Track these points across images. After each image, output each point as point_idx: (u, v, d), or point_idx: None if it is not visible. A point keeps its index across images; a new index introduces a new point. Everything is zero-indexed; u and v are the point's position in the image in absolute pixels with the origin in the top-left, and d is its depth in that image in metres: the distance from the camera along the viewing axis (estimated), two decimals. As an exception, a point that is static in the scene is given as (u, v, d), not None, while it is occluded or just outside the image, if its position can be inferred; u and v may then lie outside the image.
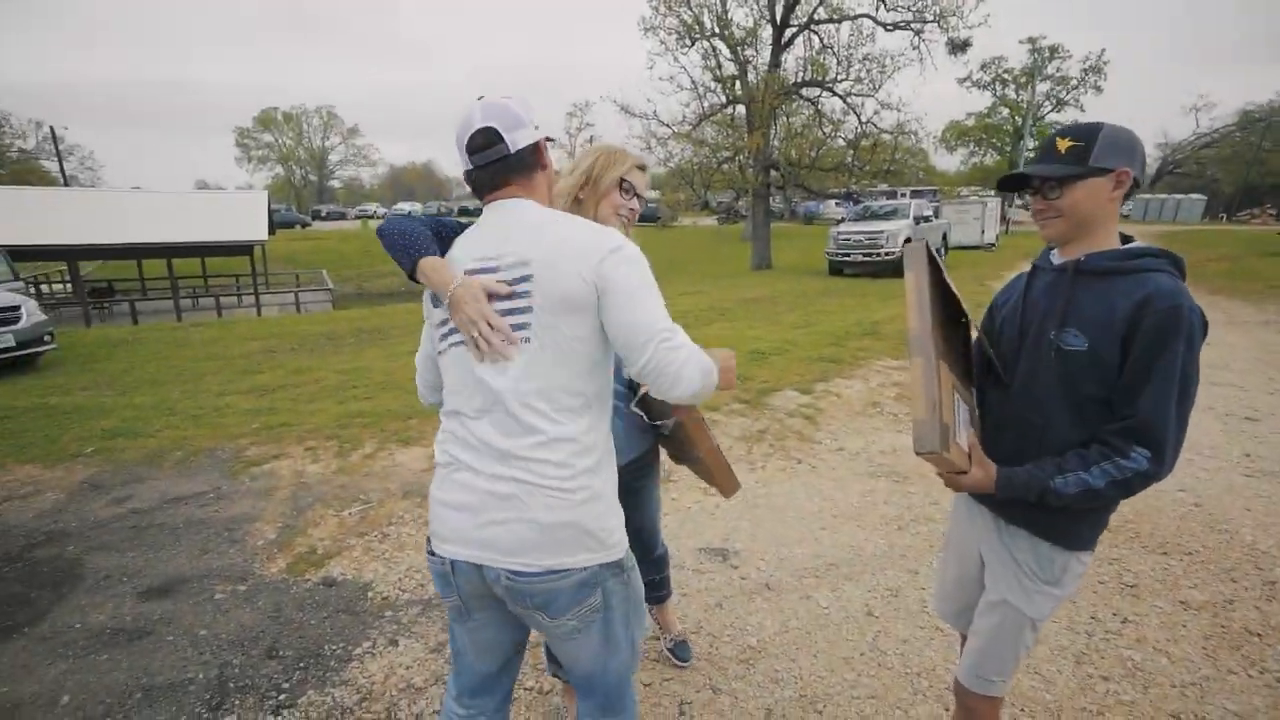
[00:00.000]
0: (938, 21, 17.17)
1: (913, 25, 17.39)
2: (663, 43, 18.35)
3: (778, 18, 17.94)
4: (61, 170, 37.83)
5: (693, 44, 18.45)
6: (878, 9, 17.37)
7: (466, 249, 1.24)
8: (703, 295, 12.68)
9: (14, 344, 7.37)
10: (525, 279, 1.15)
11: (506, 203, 1.22)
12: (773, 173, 18.68)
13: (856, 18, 17.63)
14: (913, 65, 17.80)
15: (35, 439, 4.73)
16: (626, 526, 1.30)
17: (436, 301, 1.24)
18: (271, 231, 22.74)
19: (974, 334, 1.48)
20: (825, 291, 13.02)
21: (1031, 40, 34.93)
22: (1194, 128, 45.84)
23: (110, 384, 6.74)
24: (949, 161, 41.38)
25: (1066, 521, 1.33)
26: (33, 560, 3.06)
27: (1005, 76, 36.56)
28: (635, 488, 1.93)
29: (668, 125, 18.98)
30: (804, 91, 18.63)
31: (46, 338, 7.84)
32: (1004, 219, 28.64)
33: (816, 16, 17.93)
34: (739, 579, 2.84)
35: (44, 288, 20.90)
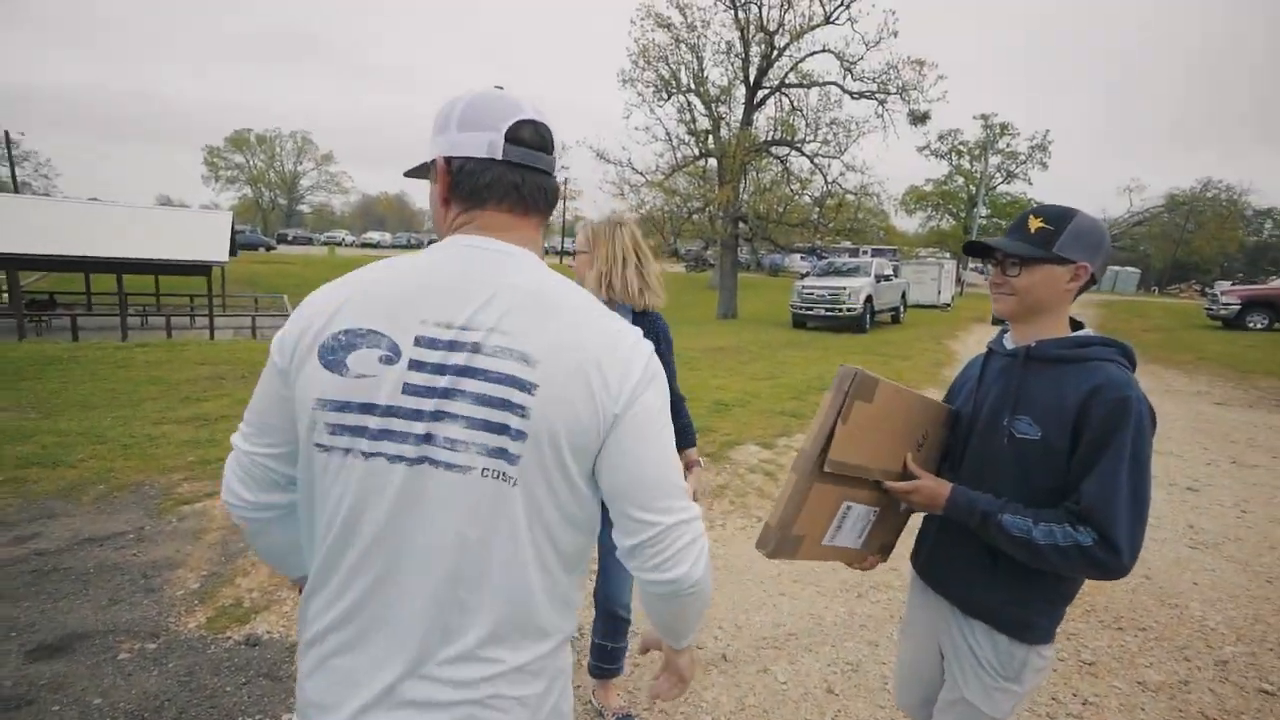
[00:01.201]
0: (900, 94, 18.24)
1: (877, 95, 18.41)
2: (640, 95, 18.99)
3: (751, 79, 18.77)
4: (13, 176, 36.40)
5: (669, 97, 19.10)
6: (845, 78, 18.35)
7: (410, 287, 0.79)
8: (669, 341, 12.71)
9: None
10: (524, 385, 0.75)
11: (501, 244, 0.82)
12: (741, 225, 19.20)
13: (825, 84, 18.59)
14: (877, 131, 18.77)
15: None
16: (595, 593, 1.19)
17: (334, 362, 0.77)
18: (234, 253, 22.13)
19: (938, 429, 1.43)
20: (789, 343, 13.22)
21: (984, 117, 37.17)
22: (1128, 206, 49.25)
23: (37, 405, 6.29)
24: (909, 223, 43.24)
25: (1023, 613, 1.29)
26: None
27: (960, 148, 38.63)
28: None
29: (641, 174, 19.45)
30: (774, 150, 19.40)
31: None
32: (959, 281, 29.95)
33: (788, 80, 18.86)
34: (694, 648, 2.71)
35: (-23, 297, 19.77)
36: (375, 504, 0.77)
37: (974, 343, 13.41)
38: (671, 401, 0.88)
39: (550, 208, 0.89)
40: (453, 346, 0.76)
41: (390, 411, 0.76)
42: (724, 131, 19.02)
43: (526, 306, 0.78)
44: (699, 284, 31.28)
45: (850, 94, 18.44)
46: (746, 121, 19.00)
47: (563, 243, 47.51)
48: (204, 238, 20.05)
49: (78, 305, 20.44)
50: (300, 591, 0.92)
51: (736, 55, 18.61)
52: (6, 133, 35.85)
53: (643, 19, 18.32)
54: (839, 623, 2.95)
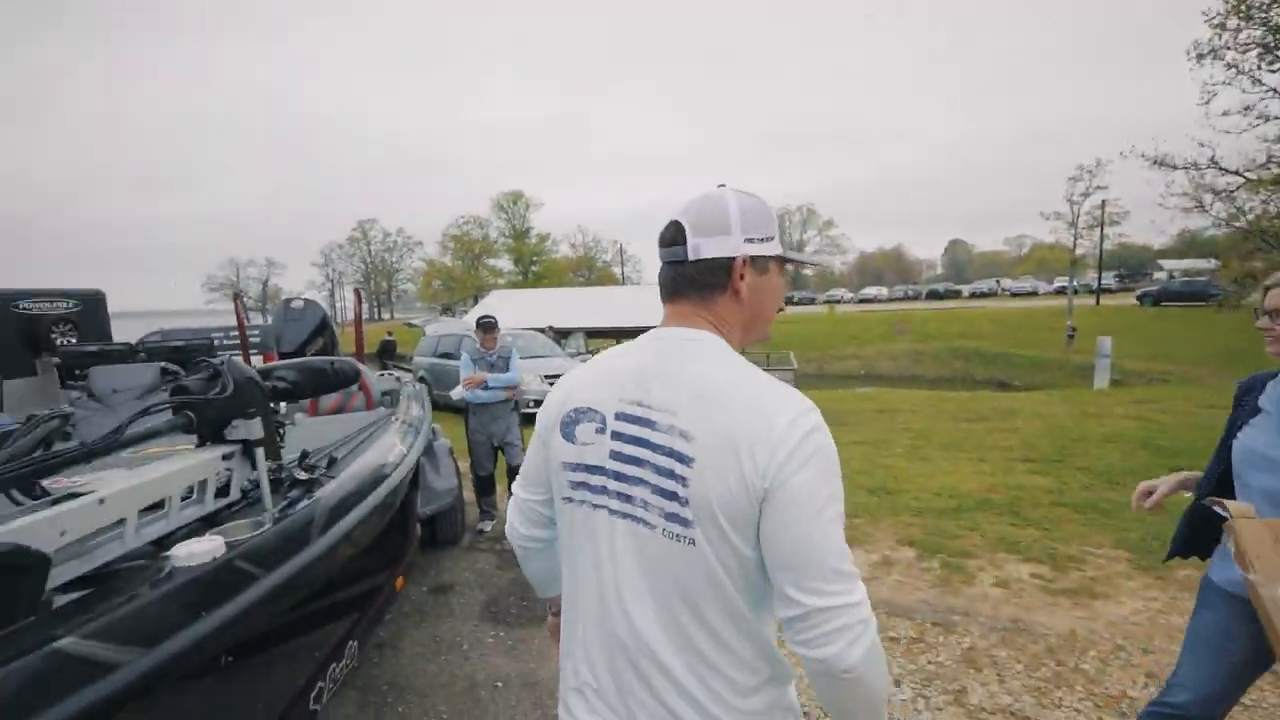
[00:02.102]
0: None
1: None
2: (1231, 65, 13.89)
3: None
4: (622, 274, 52.69)
5: (1282, 60, 13.41)
6: None
7: (616, 371, 0.97)
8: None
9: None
10: (684, 459, 0.85)
11: (676, 331, 0.95)
12: None
13: None
14: None
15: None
16: None
17: (569, 434, 0.97)
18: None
19: None
20: None
21: None
22: None
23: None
24: None
25: None
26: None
27: None
28: None
29: (1237, 173, 14.10)
30: None
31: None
32: None
33: None
34: None
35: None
36: (592, 548, 0.95)
37: None
38: None
39: (703, 285, 0.95)
40: (639, 421, 0.90)
41: (603, 473, 0.93)
42: None
43: (694, 387, 0.88)
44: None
45: None
46: None
47: (1099, 280, 38.72)
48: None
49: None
50: (552, 610, 1.21)
51: None
52: (621, 245, 52.29)
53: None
54: None
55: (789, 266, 1.02)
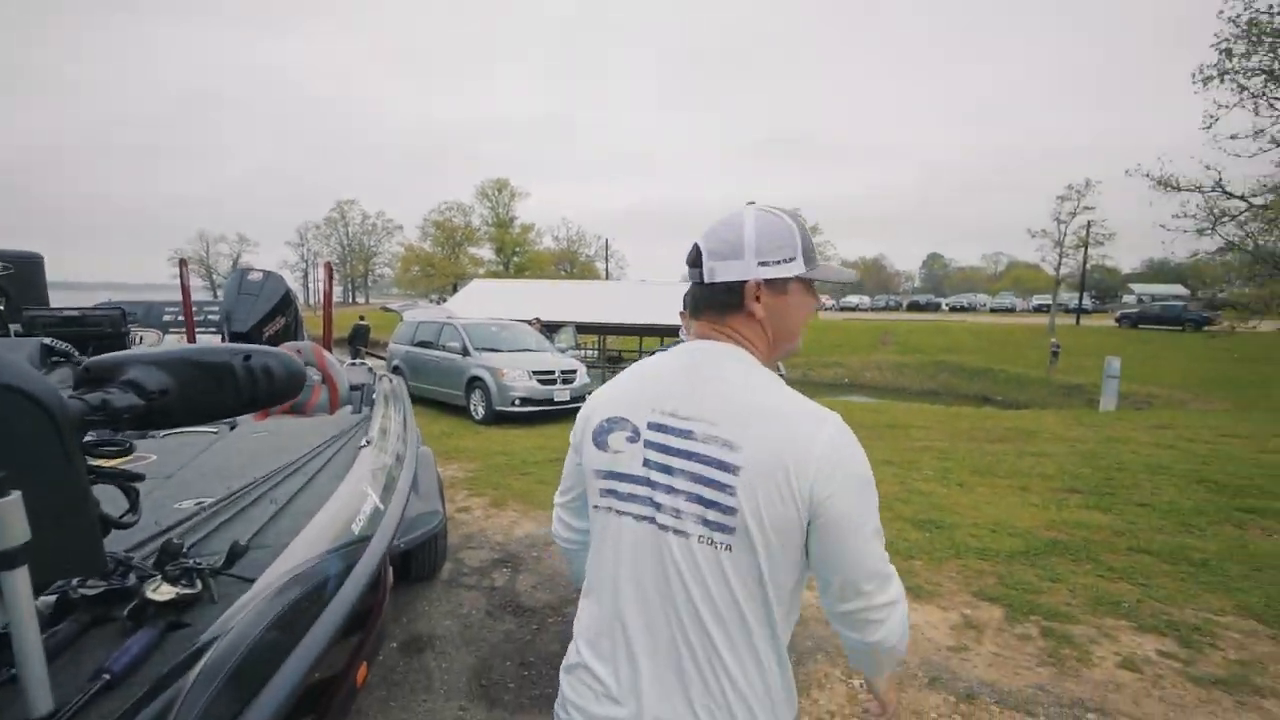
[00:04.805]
0: None
1: None
2: (1242, 87, 13.64)
3: None
4: (606, 269, 51.82)
5: (1292, 82, 13.19)
6: None
7: (647, 382, 1.00)
8: (1321, 440, 8.18)
9: (569, 398, 9.49)
10: (729, 468, 0.87)
11: (705, 345, 0.98)
12: None
13: None
14: None
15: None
16: None
17: (601, 442, 0.99)
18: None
19: None
20: None
21: None
22: None
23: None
24: None
25: None
26: (566, 618, 3.22)
27: None
28: None
29: (1241, 197, 13.87)
30: None
31: (587, 395, 9.91)
32: None
33: None
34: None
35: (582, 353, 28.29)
36: (619, 552, 0.97)
37: None
38: None
39: (726, 306, 0.97)
40: (674, 432, 0.92)
41: (633, 479, 0.95)
42: None
43: (731, 398, 0.91)
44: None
45: None
46: None
47: (1081, 300, 39.13)
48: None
49: (633, 360, 26.94)
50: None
51: None
52: (607, 240, 51.45)
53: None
54: None
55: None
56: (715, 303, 0.97)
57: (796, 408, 0.90)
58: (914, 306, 54.34)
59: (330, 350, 3.20)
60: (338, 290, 60.53)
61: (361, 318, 17.65)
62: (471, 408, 9.41)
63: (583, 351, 15.81)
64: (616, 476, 0.96)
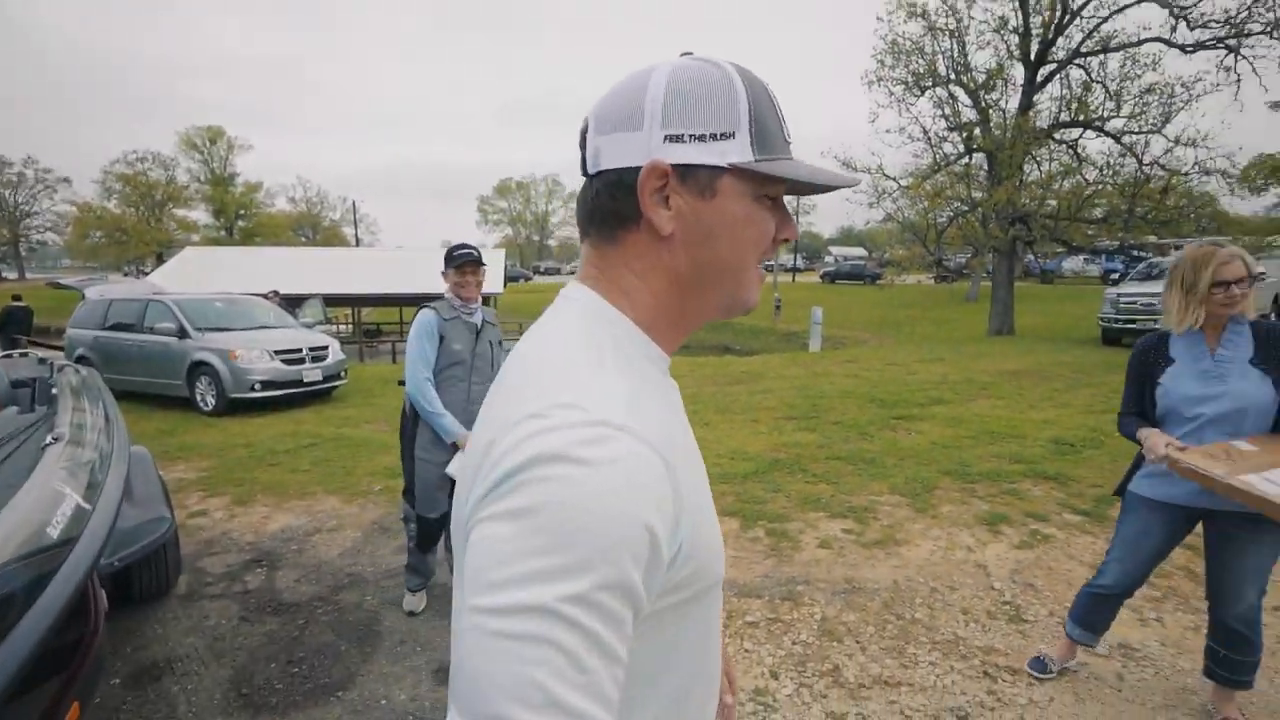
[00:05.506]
0: (1270, 31, 13.65)
1: (1226, 42, 14.28)
2: (890, 93, 17.33)
3: (1032, 54, 16.02)
4: (356, 235, 46.83)
5: (923, 93, 17.18)
6: (1173, 30, 14.63)
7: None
8: (947, 364, 11.12)
9: (321, 378, 8.60)
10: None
11: (566, 292, 0.63)
12: (1018, 226, 16.38)
13: (1141, 44, 15.02)
14: (1222, 90, 14.58)
15: (336, 470, 5.18)
16: None
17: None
18: (504, 285, 25.46)
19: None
20: (1106, 365, 10.69)
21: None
22: None
23: (387, 419, 7.45)
24: (1250, 204, 33.38)
25: None
26: (339, 605, 3.08)
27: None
28: None
29: (894, 179, 17.73)
30: (1059, 135, 16.30)
31: (343, 373, 9.08)
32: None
33: (1083, 49, 15.68)
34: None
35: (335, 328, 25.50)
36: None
37: None
38: None
39: (612, 215, 0.58)
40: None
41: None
42: (994, 121, 16.50)
43: (509, 367, 0.59)
44: (953, 297, 27.80)
45: (1183, 48, 14.62)
46: (1026, 106, 16.26)
47: (795, 260, 46.20)
48: (486, 273, 23.30)
49: (393, 333, 25.03)
50: None
51: (1013, 30, 16.08)
52: (354, 202, 46.34)
53: (891, 13, 16.85)
54: None
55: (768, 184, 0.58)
56: (598, 211, 0.59)
57: (542, 382, 0.53)
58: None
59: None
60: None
61: (16, 297, 13.62)
62: (198, 398, 8.01)
63: (335, 326, 14.28)
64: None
